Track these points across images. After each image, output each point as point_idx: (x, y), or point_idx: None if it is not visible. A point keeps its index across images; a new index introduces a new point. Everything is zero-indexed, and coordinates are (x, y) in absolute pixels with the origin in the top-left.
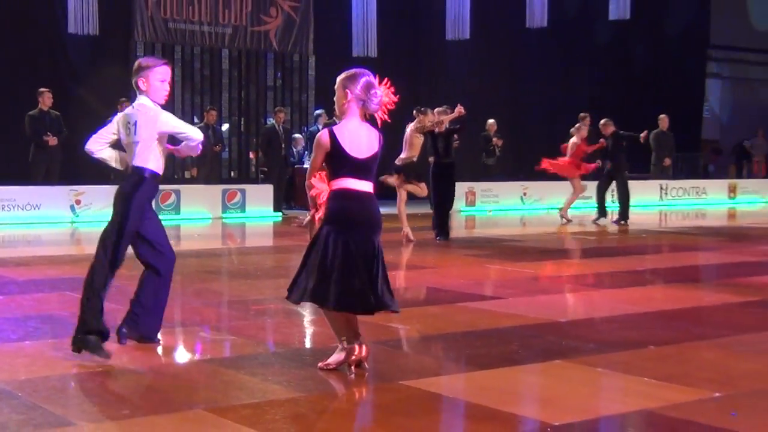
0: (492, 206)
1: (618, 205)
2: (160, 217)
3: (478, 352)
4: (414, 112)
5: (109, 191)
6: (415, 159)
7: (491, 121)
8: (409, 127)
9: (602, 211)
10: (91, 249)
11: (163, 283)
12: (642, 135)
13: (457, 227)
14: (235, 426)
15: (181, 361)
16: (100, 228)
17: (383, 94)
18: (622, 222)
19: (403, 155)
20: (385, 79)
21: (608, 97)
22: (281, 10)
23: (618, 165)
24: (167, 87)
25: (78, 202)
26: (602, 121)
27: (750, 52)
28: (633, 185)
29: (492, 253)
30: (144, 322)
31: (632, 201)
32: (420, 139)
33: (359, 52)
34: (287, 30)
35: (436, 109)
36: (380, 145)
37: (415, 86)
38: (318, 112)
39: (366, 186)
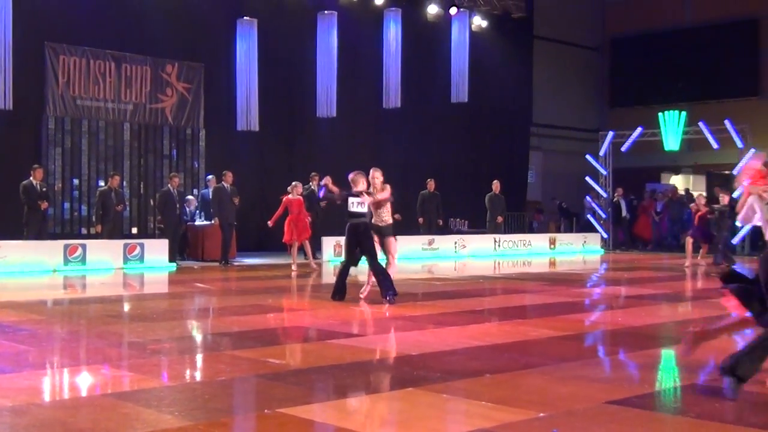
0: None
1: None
2: (66, 267)
3: (344, 382)
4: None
5: (20, 246)
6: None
7: None
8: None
9: None
10: (7, 296)
11: None
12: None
13: (328, 274)
14: None
15: (85, 396)
16: (15, 278)
17: None
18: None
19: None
20: None
21: (450, 165)
22: (176, 90)
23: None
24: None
25: None
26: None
27: (561, 129)
28: (472, 239)
29: (357, 296)
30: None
31: (470, 252)
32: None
33: (243, 127)
34: (181, 107)
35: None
36: None
37: (291, 156)
38: (208, 177)
39: None
